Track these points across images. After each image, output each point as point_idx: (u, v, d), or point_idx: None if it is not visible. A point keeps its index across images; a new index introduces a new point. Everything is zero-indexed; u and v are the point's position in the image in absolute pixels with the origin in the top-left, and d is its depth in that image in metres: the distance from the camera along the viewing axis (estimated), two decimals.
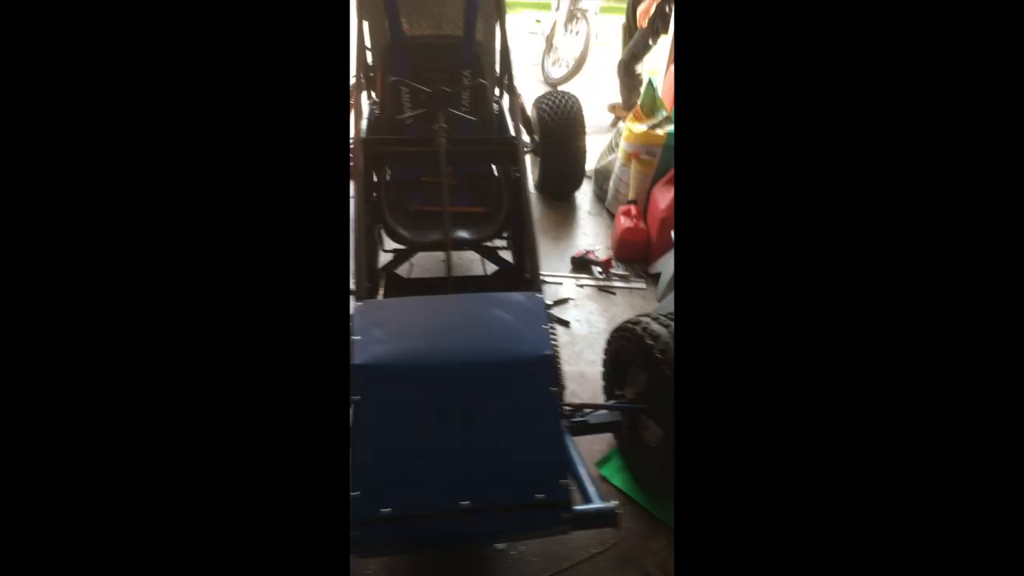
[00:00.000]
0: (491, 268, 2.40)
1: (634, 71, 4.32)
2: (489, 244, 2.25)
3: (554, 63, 5.44)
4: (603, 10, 5.57)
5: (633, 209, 3.01)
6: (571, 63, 5.19)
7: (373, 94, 2.71)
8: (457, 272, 2.85)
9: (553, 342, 1.52)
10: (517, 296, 1.61)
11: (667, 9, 3.95)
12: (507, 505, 1.27)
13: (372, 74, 2.65)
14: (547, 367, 1.42)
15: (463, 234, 2.22)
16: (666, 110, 3.12)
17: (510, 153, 2.06)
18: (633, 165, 3.07)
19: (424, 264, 2.75)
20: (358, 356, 1.40)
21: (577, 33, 5.25)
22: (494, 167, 2.47)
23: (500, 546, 1.73)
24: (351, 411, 1.34)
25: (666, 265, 2.76)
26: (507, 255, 2.32)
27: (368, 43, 2.61)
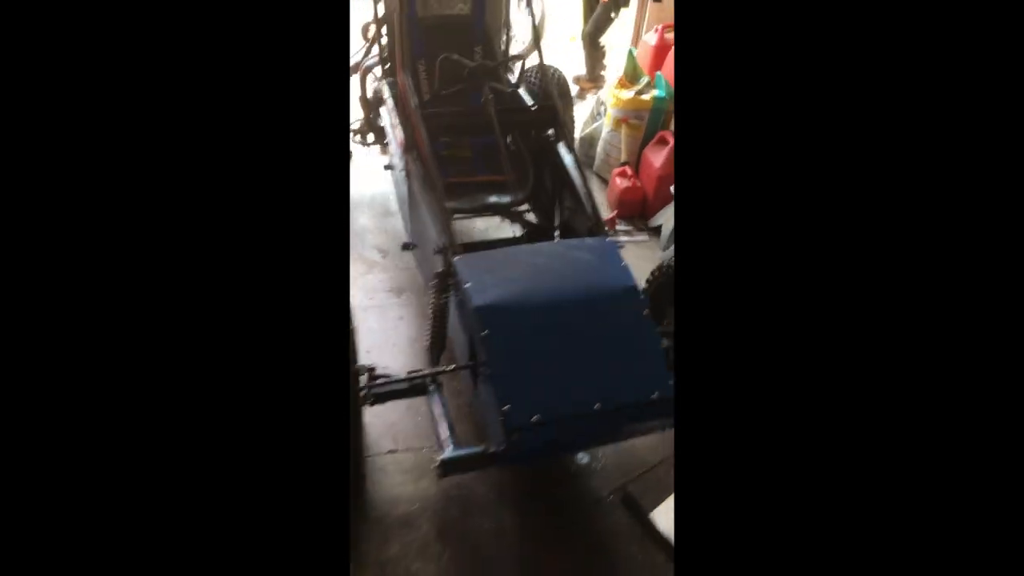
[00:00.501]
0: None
1: (598, 44, 4.58)
2: (517, 208, 2.48)
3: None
4: None
5: (628, 170, 3.29)
6: (527, 39, 5.38)
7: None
8: (480, 237, 3.05)
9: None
10: (591, 241, 1.86)
11: None
12: (631, 403, 1.53)
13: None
14: (636, 294, 1.67)
15: (495, 199, 2.45)
16: (647, 76, 3.41)
17: (551, 118, 2.28)
18: (623, 129, 3.34)
19: None
20: (477, 299, 1.60)
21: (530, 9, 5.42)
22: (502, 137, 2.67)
23: (584, 459, 2.00)
24: (481, 346, 1.55)
25: (666, 218, 3.07)
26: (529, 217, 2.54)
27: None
